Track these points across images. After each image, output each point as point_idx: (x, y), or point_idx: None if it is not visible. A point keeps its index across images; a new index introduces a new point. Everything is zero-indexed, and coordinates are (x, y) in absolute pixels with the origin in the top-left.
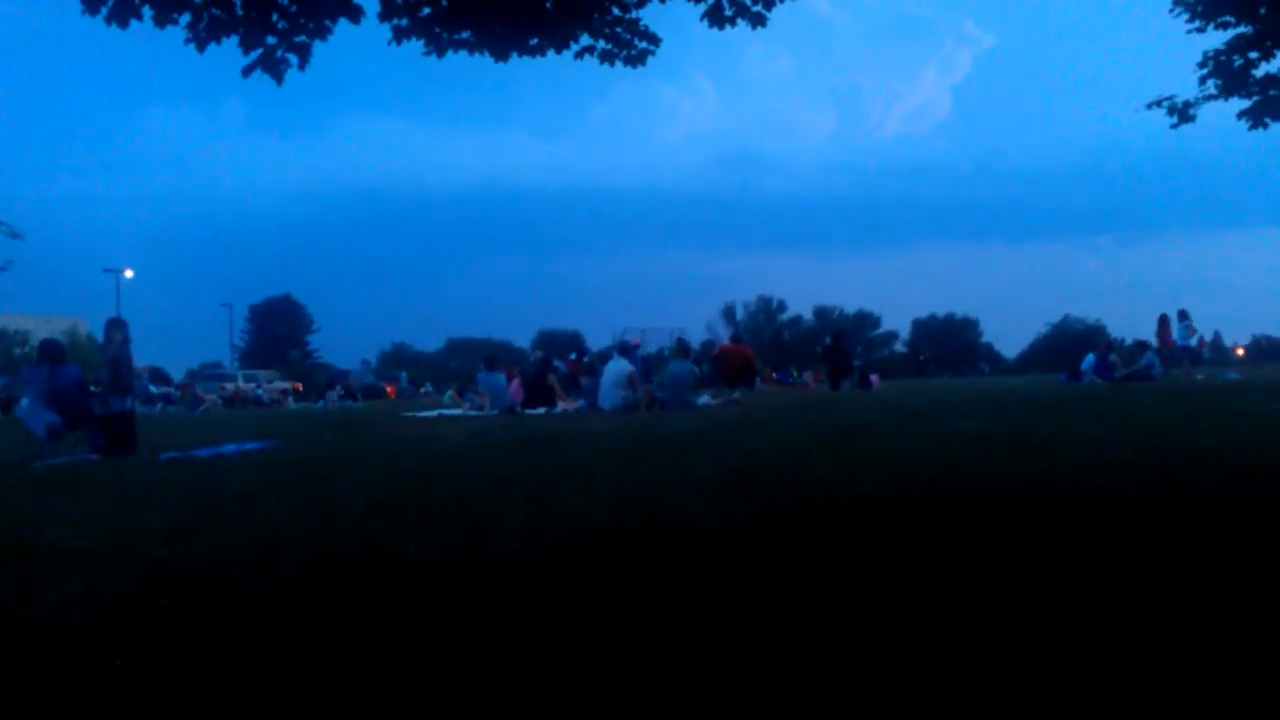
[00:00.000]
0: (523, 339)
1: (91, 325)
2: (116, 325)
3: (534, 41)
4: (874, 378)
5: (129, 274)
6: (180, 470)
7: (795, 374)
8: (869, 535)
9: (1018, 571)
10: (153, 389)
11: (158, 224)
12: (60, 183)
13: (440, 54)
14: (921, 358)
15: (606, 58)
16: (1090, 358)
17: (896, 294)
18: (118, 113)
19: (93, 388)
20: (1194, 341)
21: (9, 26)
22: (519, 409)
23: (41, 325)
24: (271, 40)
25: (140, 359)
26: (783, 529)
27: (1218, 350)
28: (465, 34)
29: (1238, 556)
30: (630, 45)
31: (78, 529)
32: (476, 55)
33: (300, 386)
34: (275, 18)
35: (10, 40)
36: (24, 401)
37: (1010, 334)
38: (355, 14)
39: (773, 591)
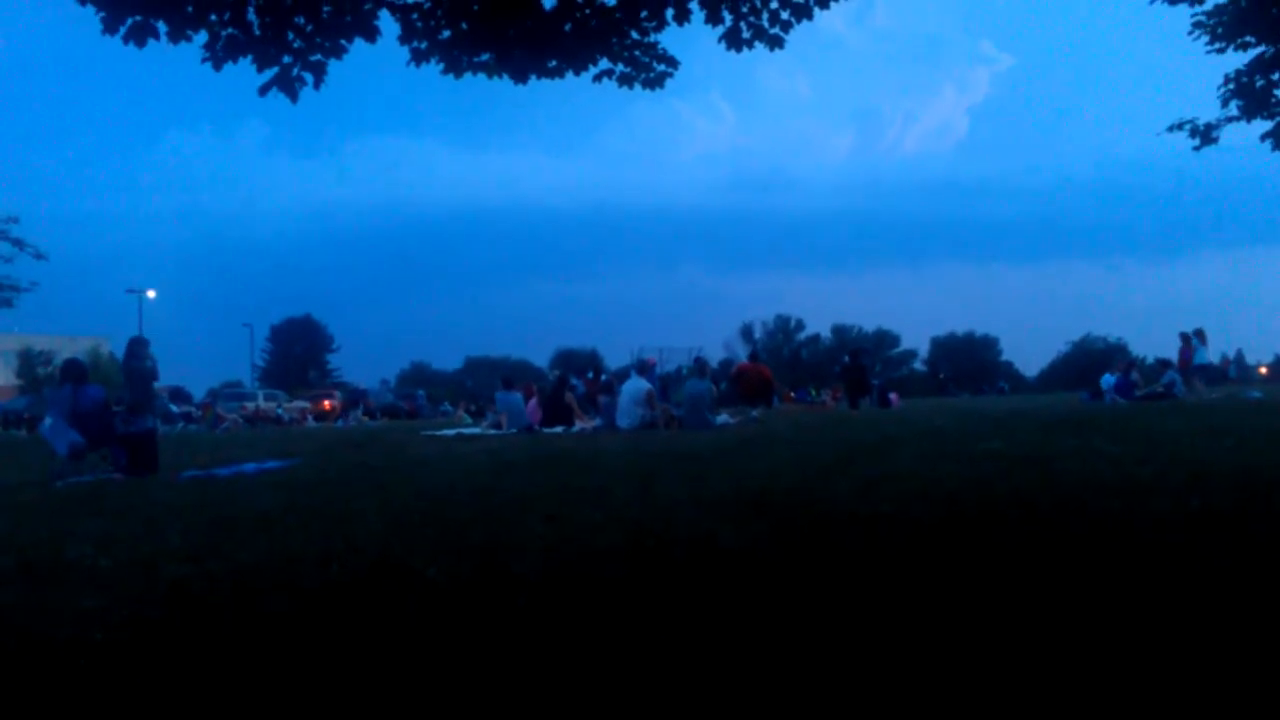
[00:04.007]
0: (541, 358)
1: (114, 345)
2: (143, 343)
3: (553, 64)
4: (893, 396)
5: (151, 294)
6: (201, 489)
7: (814, 393)
8: (889, 556)
9: (1039, 592)
10: (174, 408)
11: (180, 244)
12: (83, 203)
13: (458, 75)
14: (941, 376)
15: (625, 80)
16: (1109, 377)
17: (915, 313)
18: (140, 134)
19: (115, 407)
20: (1216, 359)
21: (31, 49)
22: (537, 428)
23: (65, 345)
24: (287, 59)
25: (162, 378)
26: (801, 549)
27: (1241, 369)
28: (484, 56)
29: (1266, 574)
30: (648, 68)
31: (99, 547)
32: (495, 78)
33: (341, 405)
34: (291, 37)
35: (33, 63)
36: (47, 421)
37: (1030, 353)
38: (372, 34)
39: (791, 612)
